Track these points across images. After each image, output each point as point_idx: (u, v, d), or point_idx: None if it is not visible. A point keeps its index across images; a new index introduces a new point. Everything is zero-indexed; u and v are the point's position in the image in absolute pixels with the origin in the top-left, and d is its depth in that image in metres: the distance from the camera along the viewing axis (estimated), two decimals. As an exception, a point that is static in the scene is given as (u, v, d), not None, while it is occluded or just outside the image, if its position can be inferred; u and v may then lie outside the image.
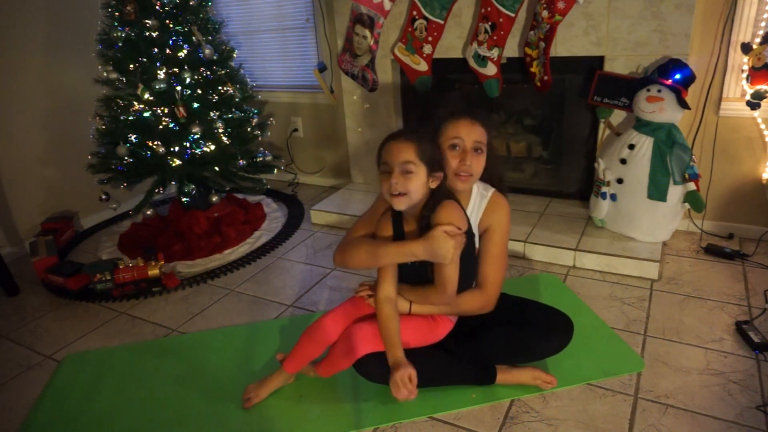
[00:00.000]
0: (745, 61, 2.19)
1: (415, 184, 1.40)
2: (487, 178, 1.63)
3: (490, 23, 2.45)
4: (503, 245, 1.61)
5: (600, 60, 2.40)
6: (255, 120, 2.89)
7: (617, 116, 2.43)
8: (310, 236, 2.86)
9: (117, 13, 2.47)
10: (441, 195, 1.45)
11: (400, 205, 1.41)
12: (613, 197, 2.36)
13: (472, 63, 2.59)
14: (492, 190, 1.63)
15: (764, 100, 2.15)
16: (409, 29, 2.68)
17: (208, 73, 2.66)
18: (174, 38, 2.53)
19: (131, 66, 2.48)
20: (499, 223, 1.60)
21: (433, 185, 1.44)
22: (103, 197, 2.72)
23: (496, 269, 1.59)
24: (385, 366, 1.50)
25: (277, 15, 3.37)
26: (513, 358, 1.64)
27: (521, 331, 1.59)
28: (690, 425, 1.47)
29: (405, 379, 1.38)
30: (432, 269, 1.47)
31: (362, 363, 1.51)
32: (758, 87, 2.15)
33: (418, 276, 1.52)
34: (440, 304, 1.54)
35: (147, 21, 2.44)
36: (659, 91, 2.15)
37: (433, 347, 1.62)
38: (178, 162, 2.58)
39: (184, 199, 2.78)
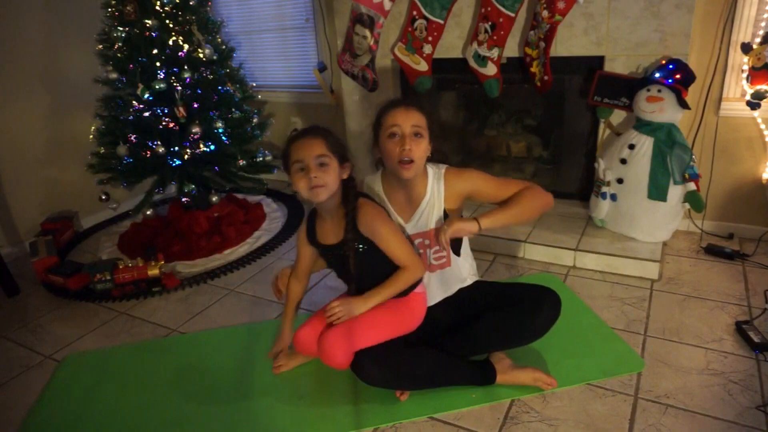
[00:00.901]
0: (745, 61, 2.19)
1: (331, 176, 1.46)
2: (436, 160, 1.67)
3: (490, 23, 2.45)
4: (491, 177, 1.66)
5: (600, 60, 2.40)
6: (255, 120, 2.89)
7: (617, 116, 2.43)
8: (310, 236, 2.86)
9: (117, 13, 2.47)
10: (354, 192, 1.54)
11: (321, 196, 1.46)
12: (613, 197, 2.36)
13: (472, 63, 2.59)
14: (444, 166, 1.67)
15: (764, 100, 2.15)
16: (409, 29, 2.68)
17: (208, 73, 2.66)
18: (174, 38, 2.53)
19: (131, 66, 2.48)
20: (469, 178, 1.65)
21: (345, 176, 1.52)
22: (103, 197, 2.71)
23: (511, 184, 1.64)
24: (384, 369, 1.52)
25: (277, 15, 3.38)
26: (507, 341, 1.64)
27: (510, 311, 1.60)
28: (690, 425, 1.47)
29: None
30: (352, 263, 1.52)
31: (362, 367, 1.52)
32: (758, 87, 2.15)
33: (344, 268, 1.57)
34: (413, 280, 1.57)
35: (147, 21, 2.44)
36: (659, 91, 2.15)
37: (431, 347, 1.63)
38: (178, 162, 2.58)
39: (184, 199, 2.78)
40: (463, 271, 1.74)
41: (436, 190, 1.64)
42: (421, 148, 1.55)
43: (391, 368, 1.54)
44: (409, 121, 1.54)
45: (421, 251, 1.67)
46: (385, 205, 1.66)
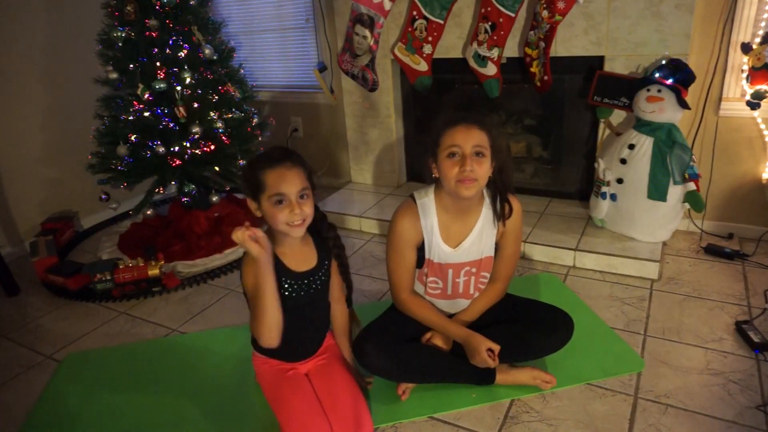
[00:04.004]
0: (745, 61, 2.19)
1: (311, 208, 1.41)
2: (499, 182, 1.56)
3: (490, 23, 2.45)
4: (518, 245, 1.68)
5: (600, 60, 2.40)
6: (255, 120, 2.89)
7: (617, 116, 2.43)
8: (310, 236, 2.86)
9: (117, 13, 2.47)
10: (322, 216, 1.53)
11: (302, 232, 1.40)
12: (613, 197, 2.36)
13: (472, 63, 2.59)
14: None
15: (764, 100, 2.15)
16: (409, 29, 2.68)
17: (208, 73, 2.66)
18: (174, 38, 2.53)
19: (131, 66, 2.48)
20: (512, 225, 1.62)
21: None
22: (103, 197, 2.71)
23: (508, 267, 1.68)
24: (385, 357, 1.53)
25: (277, 15, 3.37)
26: (513, 356, 1.64)
27: (521, 328, 1.60)
28: (690, 425, 1.47)
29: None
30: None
31: (364, 353, 1.53)
32: (758, 87, 2.15)
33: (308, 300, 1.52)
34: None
35: (147, 21, 2.44)
36: (659, 91, 2.16)
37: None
38: (178, 162, 2.58)
39: (184, 199, 2.78)
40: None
41: (490, 217, 1.59)
42: (484, 168, 1.45)
43: (393, 357, 1.54)
44: (470, 141, 1.43)
45: (465, 278, 1.63)
46: (433, 229, 1.57)
